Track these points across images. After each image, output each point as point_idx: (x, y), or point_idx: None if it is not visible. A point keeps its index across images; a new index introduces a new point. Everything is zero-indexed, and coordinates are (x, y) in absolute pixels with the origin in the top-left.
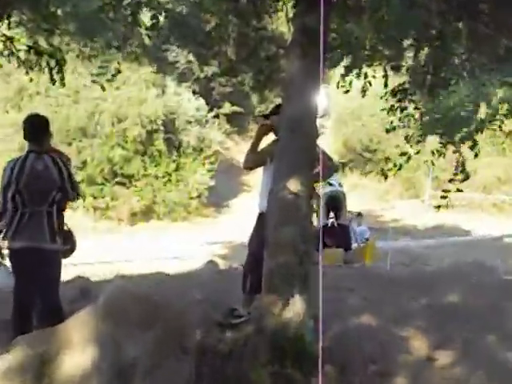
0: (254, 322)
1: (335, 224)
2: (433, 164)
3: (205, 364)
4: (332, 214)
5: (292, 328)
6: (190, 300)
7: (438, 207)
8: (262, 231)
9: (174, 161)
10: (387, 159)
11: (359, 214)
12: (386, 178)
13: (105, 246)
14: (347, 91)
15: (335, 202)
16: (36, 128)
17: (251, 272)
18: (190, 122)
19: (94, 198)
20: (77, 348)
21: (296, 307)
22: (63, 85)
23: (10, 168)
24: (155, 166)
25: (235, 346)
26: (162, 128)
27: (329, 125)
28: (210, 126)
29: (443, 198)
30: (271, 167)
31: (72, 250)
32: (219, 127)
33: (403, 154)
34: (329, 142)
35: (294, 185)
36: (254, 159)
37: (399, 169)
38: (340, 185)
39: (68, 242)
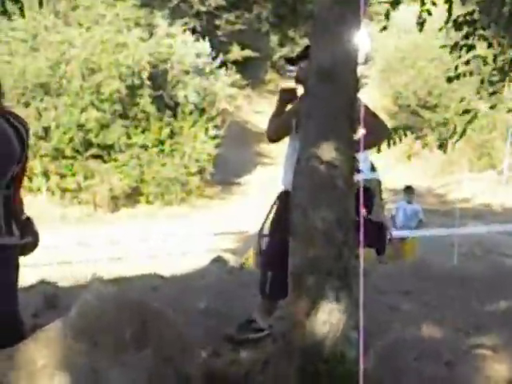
0: (277, 338)
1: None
2: None
3: None
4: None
5: (328, 345)
6: (192, 310)
7: None
8: (286, 216)
9: (167, 125)
10: (445, 122)
11: (408, 188)
12: (444, 150)
13: (77, 239)
14: (384, 28)
15: (365, 194)
16: None
17: (272, 270)
18: (187, 73)
19: (62, 177)
20: (42, 376)
21: (334, 317)
22: (23, 16)
23: None
24: (142, 132)
25: (253, 369)
26: (148, 82)
27: (373, 74)
28: (215, 78)
29: None
30: (298, 133)
31: (34, 244)
32: (227, 79)
33: (466, 111)
34: (373, 97)
35: (328, 152)
36: (279, 126)
37: (461, 136)
38: (373, 168)
39: (27, 234)
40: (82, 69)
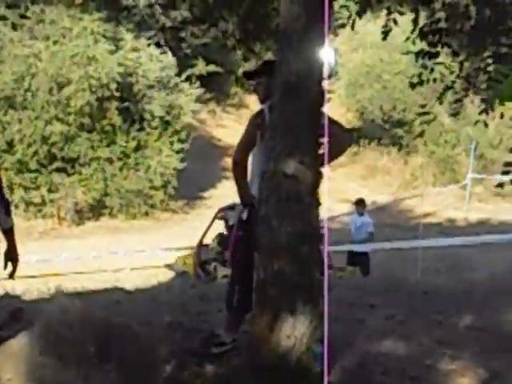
0: (242, 352)
1: None
2: (486, 125)
3: None
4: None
5: (293, 359)
6: (157, 324)
7: (500, 186)
8: (252, 229)
9: (132, 138)
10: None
11: (359, 201)
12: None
13: (41, 253)
14: (386, 32)
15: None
16: None
17: (238, 284)
18: (152, 87)
19: (26, 189)
20: None
21: (298, 330)
22: None
23: None
24: (107, 145)
25: (218, 383)
26: (116, 94)
27: (337, 89)
28: (180, 92)
29: (498, 186)
30: (262, 145)
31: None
32: (191, 93)
33: (425, 113)
34: (338, 112)
35: (292, 166)
36: (243, 141)
37: (420, 135)
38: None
39: None
40: (51, 82)
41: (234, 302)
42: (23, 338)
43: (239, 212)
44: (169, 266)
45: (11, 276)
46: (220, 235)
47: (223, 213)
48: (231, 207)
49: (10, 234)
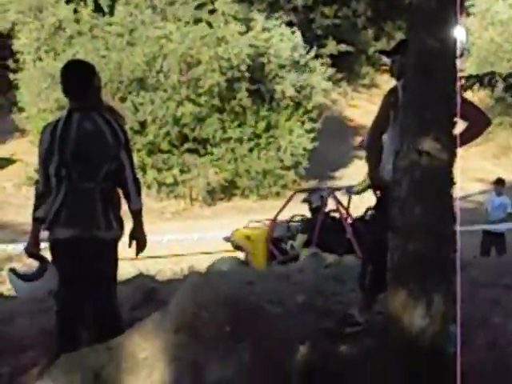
0: (375, 332)
1: None
2: None
3: None
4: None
5: (427, 338)
6: (290, 304)
7: None
8: (385, 210)
9: (262, 119)
10: None
11: (498, 181)
12: None
13: (174, 233)
14: None
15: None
16: (79, 79)
17: (371, 264)
18: (283, 67)
19: (158, 170)
20: (141, 369)
21: (432, 311)
22: (111, 13)
23: (49, 134)
24: (238, 126)
25: (351, 363)
26: (246, 75)
27: (468, 68)
28: (311, 72)
29: None
30: (395, 124)
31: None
32: (323, 72)
33: None
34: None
35: (428, 145)
36: (377, 120)
37: None
38: None
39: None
40: (180, 64)
41: (367, 282)
42: (158, 318)
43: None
44: (227, 239)
45: (136, 255)
46: (303, 218)
47: (307, 195)
48: (313, 190)
49: (138, 215)
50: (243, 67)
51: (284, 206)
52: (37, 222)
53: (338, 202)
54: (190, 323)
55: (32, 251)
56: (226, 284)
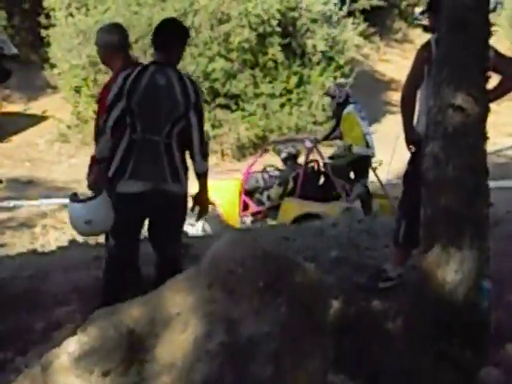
0: (408, 287)
1: None
2: None
3: (346, 343)
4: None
5: (460, 295)
6: (323, 259)
7: None
8: (419, 165)
9: (294, 74)
10: None
11: None
12: None
13: None
14: None
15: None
16: (177, 37)
17: (406, 218)
18: (315, 21)
19: None
20: (175, 324)
21: (466, 266)
22: None
23: (122, 79)
24: (269, 81)
25: (384, 318)
26: (277, 30)
27: (502, 22)
28: (343, 26)
29: None
30: (429, 80)
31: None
32: (355, 27)
33: None
34: (503, 45)
35: (460, 100)
36: (410, 76)
37: None
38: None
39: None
40: (211, 19)
41: (400, 236)
42: (192, 273)
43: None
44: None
45: (198, 218)
46: (279, 168)
47: (276, 145)
48: (287, 140)
49: (203, 178)
50: (274, 22)
51: (259, 156)
52: (98, 162)
53: (320, 154)
54: (225, 279)
55: (95, 185)
56: (261, 239)
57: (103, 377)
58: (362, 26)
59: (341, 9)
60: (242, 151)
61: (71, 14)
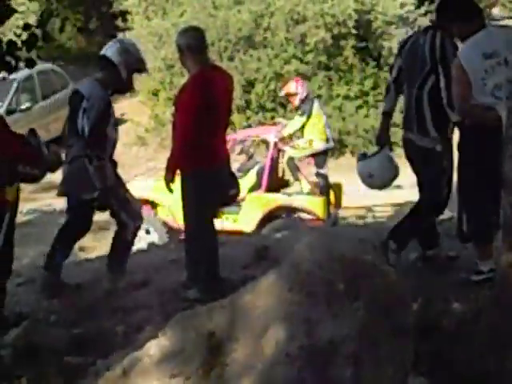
0: (487, 288)
1: None
2: None
3: (425, 345)
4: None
5: None
6: (403, 260)
7: None
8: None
9: (370, 76)
10: None
11: None
12: None
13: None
14: None
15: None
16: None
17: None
18: (391, 23)
19: None
20: (255, 327)
21: None
22: None
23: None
24: (345, 83)
25: (465, 319)
26: (353, 32)
27: None
28: (419, 27)
29: None
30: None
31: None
32: None
33: None
34: None
35: None
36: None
37: None
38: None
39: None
40: (287, 20)
41: (478, 232)
42: (272, 276)
43: None
44: None
45: None
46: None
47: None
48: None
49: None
50: (350, 23)
51: None
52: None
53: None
54: (304, 281)
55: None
56: (339, 241)
57: (184, 380)
58: None
59: (418, 7)
60: None
61: (148, 18)
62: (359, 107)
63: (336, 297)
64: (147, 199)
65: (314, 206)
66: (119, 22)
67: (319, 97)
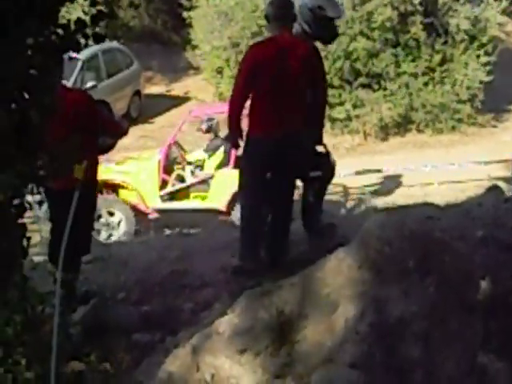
0: None
1: None
2: None
3: (493, 323)
4: None
5: None
6: (470, 238)
7: None
8: None
9: (437, 52)
10: None
11: None
12: None
13: (348, 170)
14: None
15: None
16: None
17: None
18: (457, 0)
19: (331, 106)
20: (324, 305)
21: None
22: None
23: None
24: (412, 60)
25: None
26: (419, 9)
27: None
28: (486, 4)
29: None
30: None
31: None
32: (498, 5)
33: None
34: None
35: None
36: None
37: None
38: None
39: None
40: None
41: None
42: (341, 254)
43: None
44: None
45: None
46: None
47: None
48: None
49: None
50: (416, 0)
51: (179, 130)
52: None
53: None
54: (374, 259)
55: None
56: (406, 219)
57: (254, 357)
58: (505, 4)
59: None
60: (385, 131)
61: None
62: (426, 84)
63: (406, 274)
64: (110, 182)
65: None
66: (184, 1)
67: (387, 73)
